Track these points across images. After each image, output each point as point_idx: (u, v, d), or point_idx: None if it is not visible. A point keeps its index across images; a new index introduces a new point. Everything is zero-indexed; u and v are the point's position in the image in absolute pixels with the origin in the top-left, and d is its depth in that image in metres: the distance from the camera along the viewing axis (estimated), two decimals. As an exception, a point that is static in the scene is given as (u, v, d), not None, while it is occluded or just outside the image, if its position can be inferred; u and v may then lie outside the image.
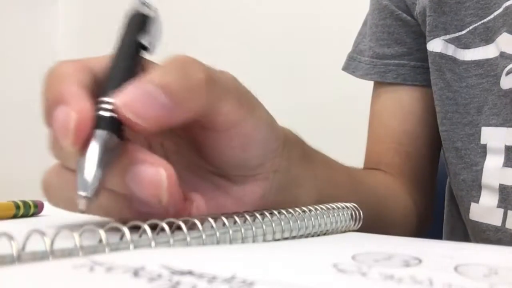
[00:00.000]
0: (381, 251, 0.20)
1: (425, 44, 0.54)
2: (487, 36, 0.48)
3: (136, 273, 0.15)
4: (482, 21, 0.49)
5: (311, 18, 1.20)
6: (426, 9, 0.52)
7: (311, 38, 1.21)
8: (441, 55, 0.51)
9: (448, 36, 0.51)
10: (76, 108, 0.24)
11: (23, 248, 0.18)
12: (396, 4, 0.57)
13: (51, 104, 0.25)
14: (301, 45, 1.22)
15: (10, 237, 0.18)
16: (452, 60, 0.51)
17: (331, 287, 0.15)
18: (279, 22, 1.24)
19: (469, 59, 0.49)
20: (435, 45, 0.52)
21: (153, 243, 0.22)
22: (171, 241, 0.22)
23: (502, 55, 0.46)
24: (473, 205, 0.50)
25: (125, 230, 0.21)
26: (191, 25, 1.33)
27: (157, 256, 0.17)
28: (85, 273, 0.15)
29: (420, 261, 0.18)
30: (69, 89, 0.25)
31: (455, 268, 0.18)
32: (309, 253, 0.21)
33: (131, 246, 0.21)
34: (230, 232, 0.26)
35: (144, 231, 0.22)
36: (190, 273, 0.15)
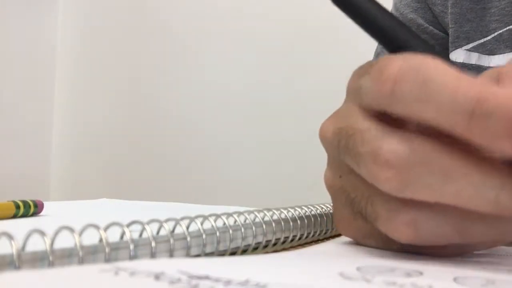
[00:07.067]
0: (385, 264, 0.22)
1: None
2: None
3: (157, 277, 0.16)
4: (507, 28, 0.49)
5: (319, 17, 1.20)
6: (448, 21, 0.53)
7: (318, 37, 1.21)
8: (464, 65, 0.52)
9: (470, 45, 0.51)
10: None
11: (23, 248, 0.18)
12: (422, 16, 0.57)
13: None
14: (307, 44, 1.22)
15: (10, 237, 0.18)
16: (476, 68, 0.51)
17: None
18: (282, 20, 1.24)
19: (494, 65, 0.49)
20: (458, 56, 0.52)
21: (153, 243, 0.22)
22: (171, 240, 0.22)
23: None
24: None
25: (125, 229, 0.21)
26: (193, 25, 1.33)
27: (176, 263, 0.19)
28: (111, 277, 0.16)
29: (421, 273, 0.20)
30: None
31: (454, 279, 0.19)
32: (316, 263, 0.23)
33: (131, 246, 0.21)
34: (230, 231, 0.26)
35: (144, 230, 0.22)
36: (207, 277, 0.17)
